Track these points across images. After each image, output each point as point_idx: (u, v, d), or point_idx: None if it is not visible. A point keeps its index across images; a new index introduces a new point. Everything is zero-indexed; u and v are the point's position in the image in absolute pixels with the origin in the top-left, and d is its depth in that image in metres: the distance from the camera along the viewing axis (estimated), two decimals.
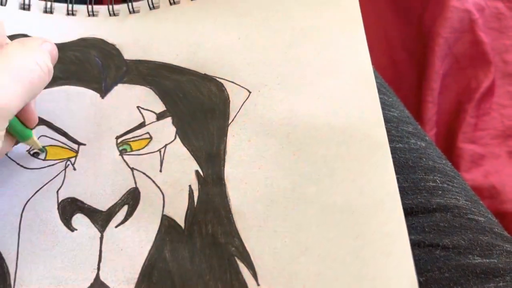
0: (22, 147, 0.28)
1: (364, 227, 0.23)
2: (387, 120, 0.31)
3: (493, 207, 0.44)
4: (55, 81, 0.29)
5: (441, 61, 0.53)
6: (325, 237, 0.23)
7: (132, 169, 0.27)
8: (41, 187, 0.27)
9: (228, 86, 0.29)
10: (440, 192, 0.29)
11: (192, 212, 0.25)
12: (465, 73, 0.54)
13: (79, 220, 0.26)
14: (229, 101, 0.28)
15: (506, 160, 0.48)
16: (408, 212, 0.28)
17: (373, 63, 0.28)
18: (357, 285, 0.22)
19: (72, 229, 0.25)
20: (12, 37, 0.29)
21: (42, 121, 0.28)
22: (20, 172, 0.27)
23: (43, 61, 0.24)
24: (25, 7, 0.34)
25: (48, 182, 0.27)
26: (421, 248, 0.27)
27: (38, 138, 0.28)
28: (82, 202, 0.26)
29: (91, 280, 0.24)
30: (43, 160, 0.28)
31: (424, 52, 0.55)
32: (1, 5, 0.34)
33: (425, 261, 0.26)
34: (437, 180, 0.30)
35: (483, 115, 0.51)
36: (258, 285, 0.23)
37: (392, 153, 0.25)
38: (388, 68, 0.58)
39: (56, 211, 0.26)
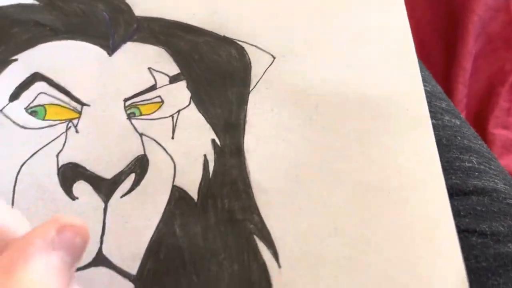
0: (17, 103, 0.26)
1: (402, 209, 0.22)
2: None
3: None
4: (56, 35, 0.28)
5: (474, 40, 0.51)
6: (357, 219, 0.22)
7: (141, 134, 0.26)
8: (39, 150, 0.25)
9: (250, 50, 0.28)
10: (476, 173, 0.28)
11: (206, 184, 0.24)
12: (498, 55, 0.52)
13: (81, 188, 0.24)
14: (251, 66, 0.27)
15: None
16: None
17: None
18: (396, 273, 0.21)
19: (73, 197, 0.24)
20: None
21: (41, 77, 0.27)
22: (15, 131, 0.25)
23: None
24: None
25: (47, 144, 0.25)
26: None
27: (36, 96, 0.26)
28: (84, 168, 0.25)
29: (93, 255, 0.23)
30: (42, 119, 0.26)
31: (455, 31, 0.53)
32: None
33: (460, 248, 0.25)
34: (474, 161, 0.29)
35: None
36: (280, 267, 0.22)
37: None
38: (415, 48, 0.57)
39: (56, 177, 0.24)
